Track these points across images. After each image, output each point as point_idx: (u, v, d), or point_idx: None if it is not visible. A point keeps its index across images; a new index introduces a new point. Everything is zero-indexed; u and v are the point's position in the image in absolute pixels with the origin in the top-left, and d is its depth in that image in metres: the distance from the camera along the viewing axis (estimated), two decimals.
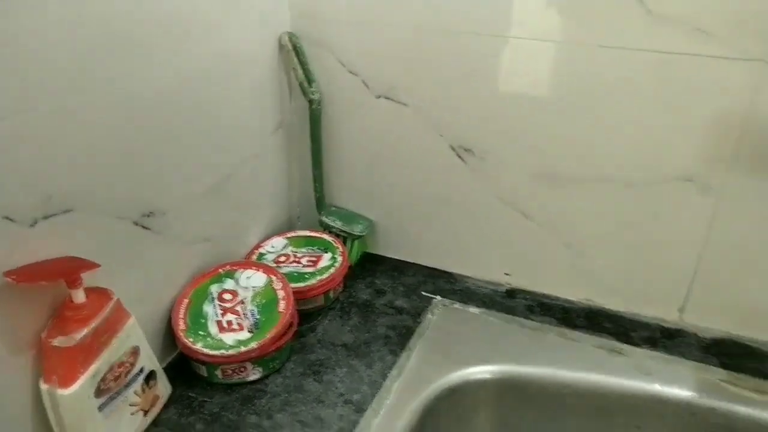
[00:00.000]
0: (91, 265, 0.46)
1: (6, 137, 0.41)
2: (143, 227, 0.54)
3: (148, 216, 0.54)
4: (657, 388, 0.60)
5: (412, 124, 0.67)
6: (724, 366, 0.61)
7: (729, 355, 0.62)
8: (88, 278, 0.46)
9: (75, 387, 0.45)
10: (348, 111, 0.70)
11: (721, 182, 0.57)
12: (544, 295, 0.70)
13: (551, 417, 0.63)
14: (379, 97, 0.68)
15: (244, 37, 0.62)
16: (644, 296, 0.66)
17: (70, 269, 0.45)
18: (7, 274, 0.42)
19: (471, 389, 0.62)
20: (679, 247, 0.62)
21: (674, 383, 0.60)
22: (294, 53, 0.68)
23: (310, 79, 0.69)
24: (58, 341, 0.45)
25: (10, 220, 0.42)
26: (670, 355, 0.63)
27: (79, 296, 0.46)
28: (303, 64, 0.69)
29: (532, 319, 0.67)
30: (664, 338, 0.65)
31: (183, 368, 0.59)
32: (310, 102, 0.69)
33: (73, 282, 0.45)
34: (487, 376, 0.62)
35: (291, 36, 0.68)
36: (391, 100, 0.67)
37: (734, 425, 0.58)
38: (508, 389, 0.62)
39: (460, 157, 0.67)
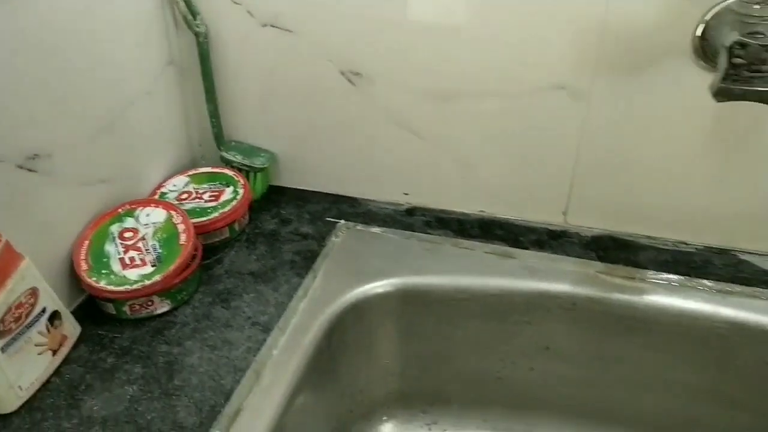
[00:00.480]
0: None
1: None
2: (28, 170, 0.53)
3: (33, 158, 0.53)
4: (543, 285, 0.65)
5: (300, 52, 0.68)
6: (601, 259, 0.67)
7: (606, 249, 0.68)
8: None
9: None
10: (236, 43, 0.70)
11: (590, 86, 0.61)
12: (441, 211, 0.74)
13: (451, 321, 0.68)
14: (265, 25, 0.67)
15: None
16: (531, 203, 0.71)
17: None
18: None
19: (375, 302, 0.65)
20: (558, 151, 0.67)
21: (557, 279, 0.65)
22: None
23: (193, 12, 0.68)
24: None
25: None
26: (554, 254, 0.68)
27: None
28: None
29: (430, 233, 0.71)
30: (551, 240, 0.70)
31: (92, 309, 0.60)
32: (197, 35, 0.69)
33: None
34: (390, 288, 0.66)
35: None
36: (277, 27, 0.67)
37: (610, 310, 0.64)
38: (409, 299, 0.67)
39: (350, 81, 0.68)
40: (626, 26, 0.57)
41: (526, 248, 0.69)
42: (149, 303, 0.59)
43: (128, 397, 0.52)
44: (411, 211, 0.75)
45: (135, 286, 0.57)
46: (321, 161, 0.76)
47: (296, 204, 0.76)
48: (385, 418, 0.74)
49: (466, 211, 0.74)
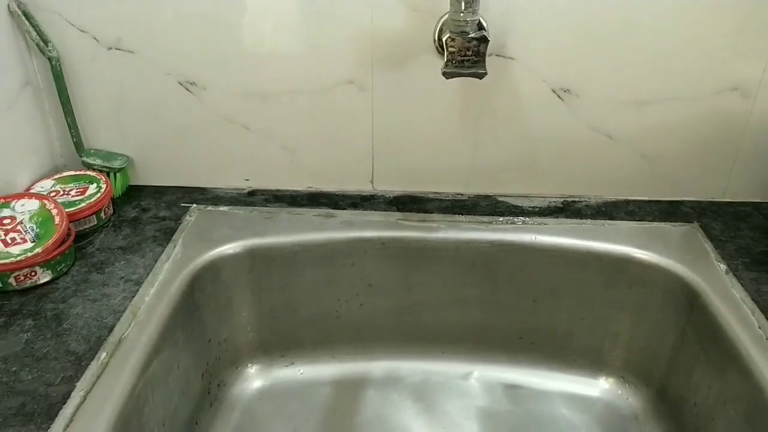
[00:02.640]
0: None
1: None
2: None
3: None
4: (358, 233, 0.84)
5: (142, 68, 0.83)
6: (401, 211, 0.88)
7: (404, 204, 0.90)
8: None
9: None
10: (86, 64, 0.83)
11: (371, 79, 0.83)
12: (276, 190, 0.92)
13: (292, 272, 0.85)
14: (110, 48, 0.82)
15: None
16: (345, 176, 0.91)
17: None
18: None
19: (227, 262, 0.81)
20: (359, 133, 0.87)
21: (369, 228, 0.85)
22: (24, 17, 0.80)
23: (45, 40, 0.81)
24: None
25: None
26: (365, 211, 0.88)
27: None
28: (35, 27, 0.80)
29: (269, 206, 0.88)
30: (363, 202, 0.90)
31: None
32: (50, 59, 0.82)
33: None
34: (239, 249, 0.82)
35: (18, 3, 0.79)
36: (121, 49, 0.82)
37: (410, 245, 0.85)
38: (256, 257, 0.83)
39: (188, 89, 0.85)
40: (388, 34, 0.80)
41: (344, 209, 0.89)
42: (32, 273, 0.70)
43: (24, 340, 0.64)
44: (252, 193, 0.92)
45: (19, 258, 0.68)
46: (171, 159, 0.91)
47: (153, 196, 0.90)
48: (249, 364, 0.89)
49: (296, 188, 0.92)
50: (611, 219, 0.86)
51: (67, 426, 0.55)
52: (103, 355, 0.63)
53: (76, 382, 0.59)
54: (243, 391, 0.87)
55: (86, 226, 0.81)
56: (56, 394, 0.58)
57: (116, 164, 0.88)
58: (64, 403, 0.57)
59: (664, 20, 0.77)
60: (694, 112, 0.83)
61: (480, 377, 0.90)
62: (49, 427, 0.55)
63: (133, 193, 0.91)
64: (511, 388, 0.89)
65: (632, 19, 0.77)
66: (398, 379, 0.91)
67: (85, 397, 0.58)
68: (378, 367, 0.91)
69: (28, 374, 0.60)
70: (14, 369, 0.60)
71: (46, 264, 0.71)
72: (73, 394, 0.58)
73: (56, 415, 0.56)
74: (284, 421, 0.85)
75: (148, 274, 0.74)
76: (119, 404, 0.59)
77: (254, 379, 0.89)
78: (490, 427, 0.84)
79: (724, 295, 0.72)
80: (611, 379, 0.87)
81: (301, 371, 0.91)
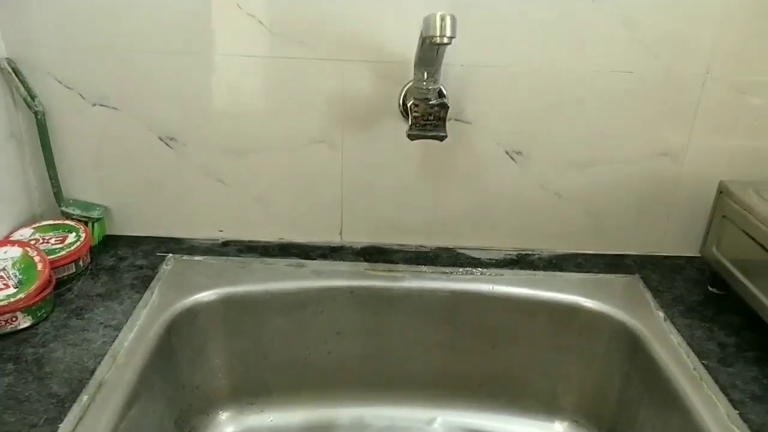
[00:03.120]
0: None
1: None
2: None
3: None
4: (328, 282, 0.89)
5: (125, 124, 0.88)
6: (368, 261, 0.94)
7: (371, 254, 0.96)
8: None
9: None
10: (70, 119, 0.88)
11: (341, 139, 0.90)
12: (249, 241, 0.97)
13: (263, 319, 0.88)
14: (94, 104, 0.87)
15: None
16: (316, 228, 0.97)
17: None
18: None
19: (203, 308, 0.85)
20: (329, 188, 0.94)
21: (338, 277, 0.90)
22: (14, 74, 0.84)
23: (32, 95, 0.86)
24: None
25: None
26: (334, 261, 0.94)
27: None
28: (23, 83, 0.85)
29: (242, 256, 0.93)
30: (332, 252, 0.96)
31: None
32: (35, 114, 0.86)
33: None
34: (213, 297, 0.85)
35: (9, 61, 0.84)
36: (105, 106, 0.87)
37: (377, 293, 0.90)
38: (230, 304, 0.86)
39: (167, 144, 0.90)
40: (357, 98, 0.87)
41: (314, 259, 0.94)
42: (14, 318, 0.72)
43: (5, 384, 0.65)
44: (226, 244, 0.96)
45: (1, 304, 0.71)
46: (148, 211, 0.95)
47: (130, 246, 0.93)
48: (220, 411, 0.91)
49: (268, 239, 0.97)
50: (561, 270, 0.93)
51: None
52: (84, 397, 0.65)
53: (59, 423, 0.61)
54: None
55: (65, 274, 0.83)
56: None
57: (94, 214, 0.91)
58: None
59: (601, 91, 0.87)
60: (631, 174, 0.92)
61: (443, 422, 0.94)
62: None
63: (110, 242, 0.94)
64: None
65: (574, 92, 0.87)
66: (365, 425, 0.94)
67: None
68: (345, 413, 0.95)
69: (11, 416, 0.62)
70: None
71: (27, 309, 0.73)
72: None
73: None
74: None
75: (127, 320, 0.77)
76: None
77: (225, 425, 0.91)
78: None
79: (663, 340, 0.80)
80: (566, 423, 0.93)
81: (271, 418, 0.93)
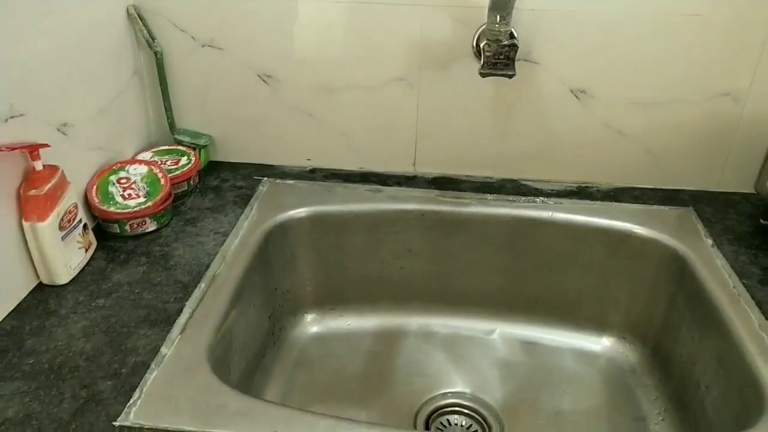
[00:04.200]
0: (43, 145, 0.74)
1: None
2: (62, 133, 0.82)
3: (65, 125, 0.82)
4: (402, 205, 1.01)
5: (229, 63, 1.01)
6: (438, 189, 1.04)
7: (441, 183, 1.06)
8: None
9: (48, 221, 0.73)
10: (183, 58, 1.01)
11: (418, 78, 0.99)
12: (333, 169, 1.09)
13: (344, 235, 1.01)
14: (204, 45, 1.00)
15: (104, 9, 0.91)
16: (392, 159, 1.08)
17: (31, 147, 0.73)
18: None
19: (293, 223, 0.98)
20: (405, 123, 1.04)
21: (411, 201, 1.01)
22: (138, 18, 0.98)
23: (152, 37, 0.99)
24: (32, 192, 0.72)
25: None
26: (408, 188, 1.04)
27: (39, 166, 0.74)
28: (146, 26, 0.98)
29: (327, 182, 1.05)
30: (406, 181, 1.06)
31: (100, 232, 0.88)
32: (155, 53, 1.00)
33: (34, 156, 0.73)
34: (303, 214, 0.98)
35: (135, 7, 0.98)
36: (213, 47, 1.00)
37: (445, 218, 1.01)
38: (316, 222, 0.99)
39: (264, 81, 1.02)
40: (434, 41, 0.96)
41: (390, 186, 1.05)
42: (143, 223, 0.88)
43: (141, 271, 0.81)
44: (313, 171, 1.09)
45: (134, 209, 0.86)
46: (247, 141, 1.08)
47: (231, 170, 1.07)
48: (306, 314, 1.06)
49: (350, 168, 1.09)
50: (618, 201, 1.01)
51: (182, 331, 0.72)
52: (203, 284, 0.80)
53: (185, 302, 0.76)
54: (300, 336, 1.04)
55: (179, 190, 0.98)
56: (171, 309, 0.75)
57: (201, 142, 1.05)
58: (178, 316, 0.74)
59: (666, 34, 0.92)
60: (692, 113, 0.97)
61: (501, 333, 1.05)
62: (169, 331, 0.72)
63: (214, 167, 1.08)
64: (528, 344, 1.04)
65: (639, 32, 0.92)
66: (431, 333, 1.06)
67: (192, 313, 0.75)
68: (413, 322, 1.07)
69: (149, 294, 0.77)
70: (137, 290, 0.78)
71: (153, 216, 0.88)
72: (183, 310, 0.75)
73: (173, 323, 0.73)
74: (333, 360, 1.01)
75: (232, 228, 0.91)
76: (217, 320, 0.75)
77: (310, 326, 1.05)
78: (508, 374, 0.99)
79: (708, 263, 0.87)
80: (613, 338, 1.02)
81: (348, 323, 1.07)
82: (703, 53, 0.92)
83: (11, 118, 0.72)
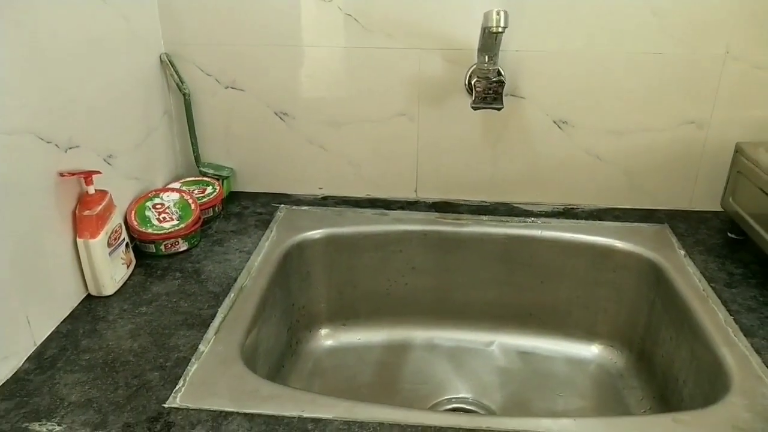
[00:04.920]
0: (96, 172, 0.85)
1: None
2: (108, 163, 0.93)
3: (110, 157, 0.94)
4: (405, 226, 1.12)
5: (249, 102, 1.13)
6: (438, 212, 1.15)
7: (441, 207, 1.17)
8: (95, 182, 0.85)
9: (99, 238, 0.84)
10: (208, 98, 1.14)
11: (417, 113, 1.12)
12: (343, 196, 1.20)
13: (354, 254, 1.11)
14: (227, 87, 1.13)
15: (141, 56, 1.04)
16: (397, 186, 1.19)
17: (87, 173, 0.84)
18: (59, 173, 0.80)
19: (309, 243, 1.09)
20: (407, 153, 1.16)
21: (414, 223, 1.12)
22: (169, 65, 1.11)
23: (181, 80, 1.12)
24: (86, 213, 0.83)
25: (56, 146, 0.81)
26: (411, 211, 1.15)
27: (92, 190, 0.85)
28: (176, 71, 1.11)
29: (338, 207, 1.16)
30: (409, 205, 1.18)
31: (137, 252, 0.98)
32: (184, 95, 1.12)
33: (88, 181, 0.84)
34: (318, 236, 1.09)
35: (167, 55, 1.11)
36: (235, 88, 1.13)
37: (446, 237, 1.11)
38: (330, 242, 1.10)
39: (281, 118, 1.14)
40: (431, 80, 1.09)
41: (395, 210, 1.16)
42: (176, 243, 0.98)
43: (176, 284, 0.91)
44: (325, 198, 1.20)
45: (169, 231, 0.97)
46: (265, 172, 1.20)
47: (251, 199, 1.19)
48: (320, 329, 1.15)
49: (359, 195, 1.20)
50: (600, 220, 1.12)
51: (217, 332, 0.82)
52: (232, 294, 0.90)
53: (218, 308, 0.86)
54: (315, 349, 1.13)
55: (206, 216, 1.09)
56: (206, 314, 0.85)
57: (224, 173, 1.17)
58: (212, 319, 0.84)
59: (635, 70, 1.04)
60: (662, 139, 1.09)
61: (499, 344, 1.14)
62: (205, 332, 0.81)
63: (235, 196, 1.19)
64: (524, 353, 1.13)
65: (611, 69, 1.05)
66: (435, 345, 1.15)
67: (225, 317, 0.85)
68: (418, 335, 1.16)
69: (185, 302, 0.87)
70: (175, 300, 0.88)
71: (185, 237, 0.99)
72: (216, 315, 0.85)
73: (209, 326, 0.83)
74: (346, 370, 1.10)
75: (255, 248, 1.02)
76: (246, 324, 0.85)
77: (324, 339, 1.14)
78: (507, 380, 1.08)
79: (681, 271, 0.97)
80: (602, 346, 1.11)
81: (359, 337, 1.16)
82: (668, 86, 1.05)
83: (70, 148, 0.83)
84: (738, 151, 1.01)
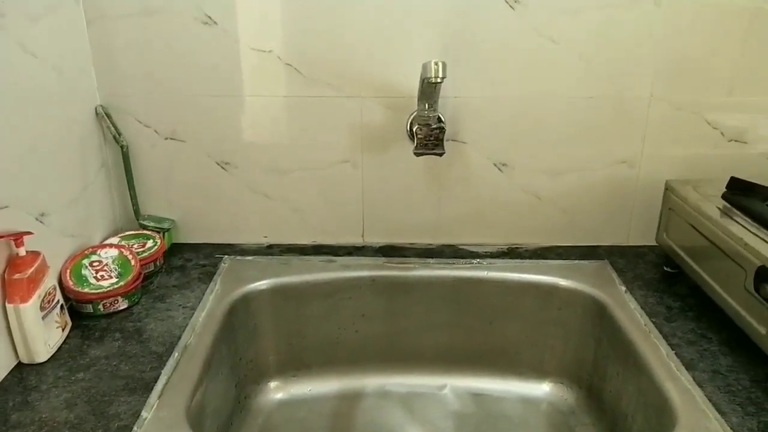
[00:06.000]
0: (27, 233, 0.81)
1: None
2: (40, 222, 0.89)
3: (42, 215, 0.90)
4: (353, 273, 1.11)
5: (189, 152, 1.11)
6: (386, 256, 1.15)
7: (387, 251, 1.17)
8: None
9: (31, 302, 0.80)
10: (147, 150, 1.11)
11: (361, 159, 1.13)
12: (289, 244, 1.19)
13: (302, 303, 1.10)
14: (167, 138, 1.11)
15: (75, 109, 1.01)
16: (342, 232, 1.19)
17: (17, 235, 0.80)
18: None
19: (255, 295, 1.06)
20: (352, 200, 1.16)
21: (362, 269, 1.11)
22: (105, 117, 1.08)
23: (118, 132, 1.09)
24: (16, 276, 0.79)
25: None
26: (358, 257, 1.15)
27: (22, 251, 0.81)
28: (113, 123, 1.08)
29: (284, 256, 1.15)
30: (356, 250, 1.17)
31: (73, 313, 0.93)
32: (121, 147, 1.09)
33: (18, 243, 0.80)
34: (264, 286, 1.07)
35: (102, 107, 1.08)
36: (175, 139, 1.11)
37: (394, 281, 1.11)
38: (276, 292, 1.08)
39: (223, 168, 1.13)
40: (373, 126, 1.10)
41: (342, 256, 1.15)
42: (115, 302, 0.94)
43: (116, 345, 0.87)
44: (270, 246, 1.18)
45: (108, 290, 0.93)
46: (207, 222, 1.17)
47: (193, 250, 1.16)
48: (269, 382, 1.12)
49: (304, 242, 1.19)
50: (544, 259, 1.14)
51: (160, 396, 0.78)
52: (176, 354, 0.86)
53: (161, 369, 0.83)
54: (265, 403, 1.10)
55: (147, 271, 1.05)
56: (148, 377, 0.81)
57: (165, 225, 1.14)
58: (155, 382, 0.80)
59: (568, 113, 1.09)
60: (597, 179, 1.13)
61: (452, 387, 1.14)
62: (148, 397, 0.78)
63: (177, 248, 1.16)
64: (477, 395, 1.13)
65: (546, 113, 1.09)
66: (387, 392, 1.14)
67: (168, 380, 0.81)
68: (371, 382, 1.15)
69: (126, 365, 0.83)
70: (114, 363, 0.84)
71: (125, 295, 0.95)
72: (160, 377, 0.81)
73: (151, 390, 0.79)
74: (297, 425, 1.07)
75: (198, 303, 0.99)
76: (192, 385, 0.82)
77: (274, 393, 1.11)
78: (462, 424, 1.08)
79: (623, 306, 1.00)
80: (552, 383, 1.12)
81: (310, 388, 1.14)
82: (600, 128, 1.10)
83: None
84: (668, 189, 1.06)
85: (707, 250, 0.94)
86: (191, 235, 1.18)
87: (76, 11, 1.01)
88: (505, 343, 1.13)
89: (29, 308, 0.80)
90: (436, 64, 0.88)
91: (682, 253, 1.02)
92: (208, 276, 1.07)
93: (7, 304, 0.79)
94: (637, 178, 1.14)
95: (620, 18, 1.03)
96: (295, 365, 1.14)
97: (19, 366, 0.82)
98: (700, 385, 0.81)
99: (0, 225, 0.80)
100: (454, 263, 1.13)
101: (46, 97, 0.92)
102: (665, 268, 1.10)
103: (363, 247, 1.19)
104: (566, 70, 1.06)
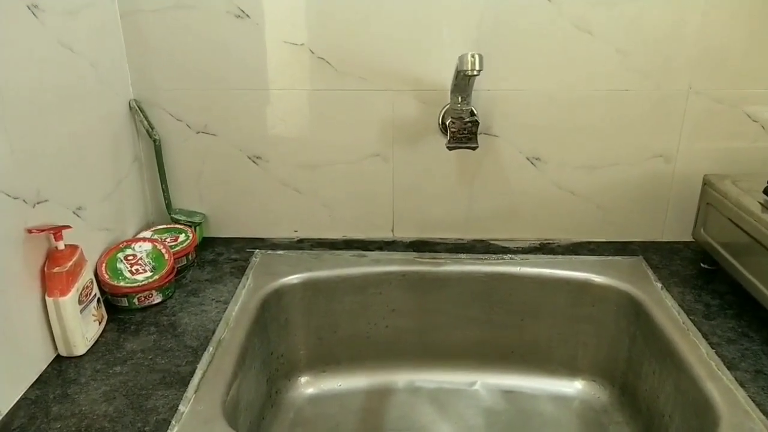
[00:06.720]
0: (66, 227, 0.82)
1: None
2: (77, 216, 0.90)
3: (79, 209, 0.90)
4: (384, 267, 1.10)
5: (221, 146, 1.11)
6: (416, 251, 1.15)
7: (418, 246, 1.16)
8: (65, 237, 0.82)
9: (69, 295, 0.80)
10: (179, 144, 1.12)
11: (392, 153, 1.12)
12: (319, 239, 1.18)
13: (333, 298, 1.09)
14: (198, 132, 1.11)
15: (110, 103, 1.01)
16: (372, 227, 1.18)
17: (56, 228, 0.81)
18: (27, 230, 0.77)
19: (287, 290, 1.06)
20: (383, 194, 1.15)
21: (392, 264, 1.11)
22: (139, 111, 1.08)
23: (151, 126, 1.10)
24: (56, 270, 0.80)
25: (24, 201, 0.77)
26: (389, 252, 1.14)
27: (61, 245, 0.81)
28: (146, 117, 1.09)
29: (314, 250, 1.14)
30: (386, 245, 1.16)
31: (109, 307, 0.94)
32: (154, 141, 1.10)
33: (57, 236, 0.81)
34: (295, 281, 1.07)
35: (136, 101, 1.08)
36: (206, 133, 1.11)
37: (424, 277, 1.10)
38: (307, 287, 1.08)
39: (254, 162, 1.13)
40: (405, 120, 1.09)
41: (372, 250, 1.15)
42: (150, 295, 0.95)
43: (152, 339, 0.88)
44: (300, 241, 1.18)
45: (143, 283, 0.93)
46: (238, 216, 1.17)
47: (225, 245, 1.16)
48: (299, 376, 1.12)
49: (334, 236, 1.19)
50: (577, 255, 1.13)
51: (197, 390, 0.79)
52: (210, 348, 0.87)
53: (196, 364, 0.83)
54: (296, 398, 1.10)
55: (180, 265, 1.06)
56: (184, 371, 0.82)
57: (197, 219, 1.14)
58: (191, 376, 0.81)
59: (603, 107, 1.07)
60: (632, 173, 1.11)
61: (482, 384, 1.13)
62: (185, 391, 0.78)
63: (209, 242, 1.17)
64: (507, 392, 1.12)
65: (580, 107, 1.07)
66: (418, 387, 1.13)
67: (204, 374, 0.82)
68: (401, 378, 1.14)
69: (162, 359, 0.84)
70: (150, 357, 0.84)
71: (159, 288, 0.96)
72: (196, 371, 0.82)
73: (188, 384, 0.79)
74: (328, 419, 1.07)
75: (231, 297, 0.99)
76: (227, 379, 0.82)
77: (304, 388, 1.11)
78: (492, 421, 1.07)
79: (659, 304, 0.98)
80: (584, 381, 1.11)
81: (340, 383, 1.13)
82: (635, 122, 1.08)
83: (38, 203, 0.80)
84: (706, 183, 1.04)
85: (748, 246, 0.92)
86: (222, 229, 1.18)
87: (111, 6, 1.01)
88: (536, 339, 1.12)
89: (68, 301, 0.80)
90: (473, 56, 0.87)
91: (720, 249, 0.99)
92: (240, 270, 1.07)
93: (47, 298, 0.80)
94: (674, 173, 1.11)
95: (657, 9, 1.01)
96: (325, 360, 1.14)
97: (58, 358, 0.83)
98: (742, 385, 0.79)
99: (40, 219, 0.80)
100: (485, 258, 1.12)
101: (83, 92, 0.93)
102: (702, 265, 1.08)
103: (393, 241, 1.18)
104: (602, 62, 1.04)
